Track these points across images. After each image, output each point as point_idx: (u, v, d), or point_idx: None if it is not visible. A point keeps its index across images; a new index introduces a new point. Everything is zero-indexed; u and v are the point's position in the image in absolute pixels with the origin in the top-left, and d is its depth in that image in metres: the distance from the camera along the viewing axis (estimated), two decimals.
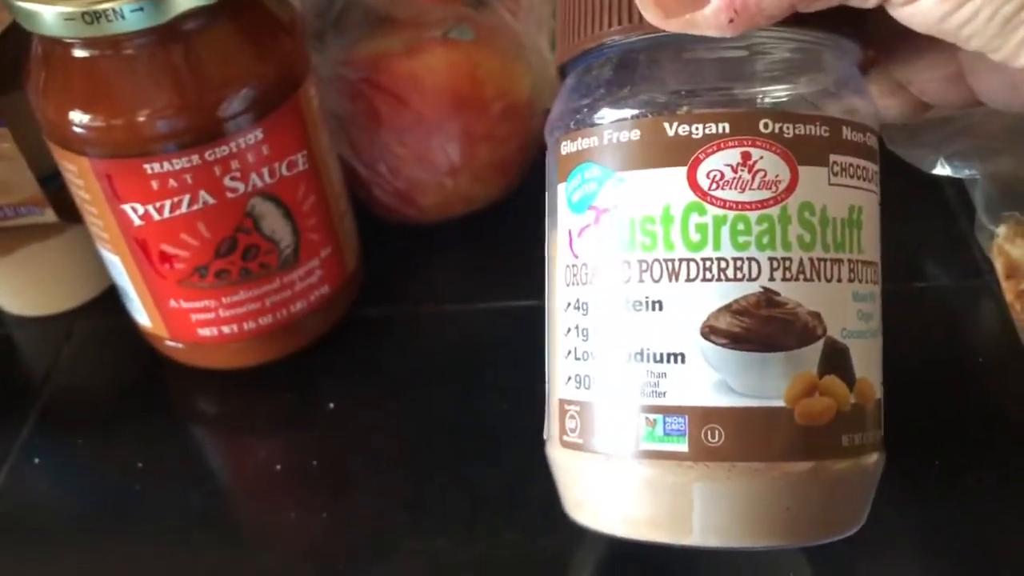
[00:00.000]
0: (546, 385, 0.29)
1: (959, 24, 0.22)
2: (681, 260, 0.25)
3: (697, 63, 0.26)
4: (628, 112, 0.26)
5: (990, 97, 0.27)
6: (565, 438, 0.27)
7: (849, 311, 0.26)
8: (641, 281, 0.25)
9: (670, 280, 0.25)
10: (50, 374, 0.41)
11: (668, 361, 0.25)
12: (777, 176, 0.25)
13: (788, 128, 0.25)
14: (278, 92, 0.34)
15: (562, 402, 0.27)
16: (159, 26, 0.30)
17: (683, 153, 0.25)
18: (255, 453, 0.37)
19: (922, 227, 0.42)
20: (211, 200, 0.34)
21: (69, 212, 0.38)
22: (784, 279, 0.25)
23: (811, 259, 0.25)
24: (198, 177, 0.33)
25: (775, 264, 0.25)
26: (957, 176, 0.42)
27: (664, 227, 0.25)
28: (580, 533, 0.28)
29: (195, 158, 0.33)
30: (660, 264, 0.25)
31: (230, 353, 0.38)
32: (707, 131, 0.25)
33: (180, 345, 0.38)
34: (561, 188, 0.28)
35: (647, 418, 0.25)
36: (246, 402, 0.39)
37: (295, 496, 0.35)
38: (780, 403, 0.25)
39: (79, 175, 0.34)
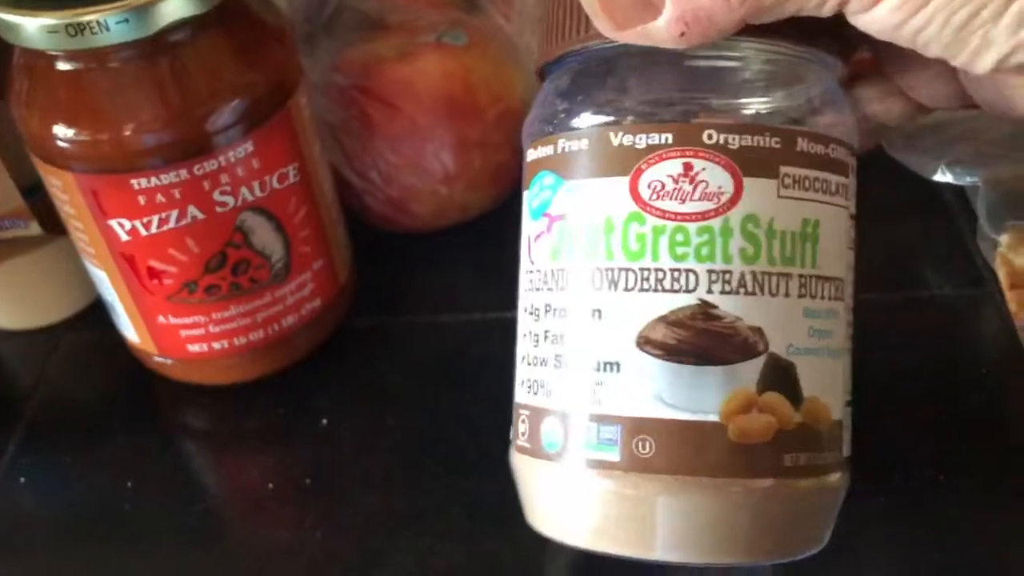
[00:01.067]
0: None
1: (914, 31, 0.22)
2: (620, 270, 0.25)
3: (662, 72, 0.25)
4: (580, 122, 0.26)
5: (982, 99, 0.26)
6: (518, 442, 0.27)
7: (798, 327, 0.25)
8: (584, 290, 0.25)
9: (610, 289, 0.25)
10: (35, 389, 0.40)
11: (605, 370, 0.25)
12: (720, 188, 0.24)
13: (734, 139, 0.24)
14: (268, 103, 0.33)
15: (517, 406, 0.28)
16: (145, 38, 0.29)
17: (626, 163, 0.25)
18: (247, 470, 0.37)
19: (923, 235, 0.42)
20: (200, 215, 0.33)
21: (53, 224, 0.37)
22: (723, 292, 0.24)
23: (753, 272, 0.24)
24: (187, 192, 0.32)
25: (714, 276, 0.24)
26: (958, 183, 0.41)
27: (606, 237, 0.25)
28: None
29: (183, 172, 0.32)
30: (601, 273, 0.25)
31: (221, 369, 0.37)
32: (650, 142, 0.24)
33: (169, 361, 0.37)
34: (525, 196, 0.28)
35: (587, 426, 0.25)
36: (237, 418, 0.38)
37: (288, 514, 0.35)
38: (715, 418, 0.24)
39: (64, 190, 0.33)
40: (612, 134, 0.25)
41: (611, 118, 0.25)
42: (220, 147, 0.32)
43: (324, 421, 0.37)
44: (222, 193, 0.33)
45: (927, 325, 0.39)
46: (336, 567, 0.33)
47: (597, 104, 0.25)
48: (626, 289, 0.25)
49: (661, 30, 0.23)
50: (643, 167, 0.25)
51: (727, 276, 0.24)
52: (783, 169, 0.24)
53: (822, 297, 0.25)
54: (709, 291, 0.24)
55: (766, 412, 0.24)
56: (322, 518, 0.34)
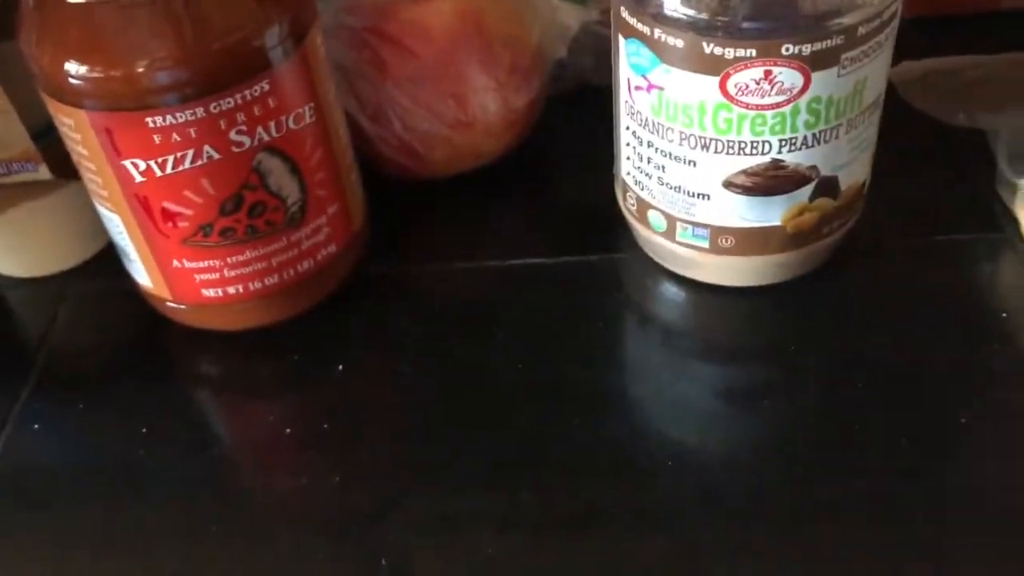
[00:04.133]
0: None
1: None
2: (711, 139, 0.33)
3: None
4: (677, 21, 0.31)
5: None
6: (626, 204, 0.39)
7: (842, 151, 0.34)
8: (681, 145, 0.34)
9: (703, 150, 0.33)
10: (46, 337, 0.40)
11: (698, 198, 0.35)
12: (793, 84, 0.31)
13: (806, 48, 0.30)
14: (284, 40, 0.32)
15: (625, 184, 0.38)
16: None
17: (717, 67, 0.31)
18: (261, 417, 0.36)
19: (941, 180, 0.41)
20: (216, 155, 0.32)
21: (64, 169, 0.36)
22: (790, 151, 0.33)
23: (814, 134, 0.33)
24: (202, 131, 0.31)
25: (783, 142, 0.33)
26: (977, 127, 0.41)
27: (699, 115, 0.33)
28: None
29: (199, 111, 0.31)
30: (695, 138, 0.33)
31: (235, 314, 0.37)
32: (737, 54, 0.31)
33: (183, 307, 0.37)
34: (621, 41, 0.34)
35: (684, 226, 0.36)
36: (252, 365, 0.38)
37: (306, 460, 0.34)
38: (776, 223, 0.35)
39: (76, 129, 0.32)
40: (705, 43, 0.31)
41: (705, 28, 0.30)
42: (236, 85, 0.31)
43: (339, 367, 0.37)
44: (238, 133, 0.32)
45: (947, 270, 0.38)
46: (355, 512, 0.33)
47: (696, 9, 0.30)
48: (716, 152, 0.33)
49: None
50: (731, 72, 0.31)
51: (794, 140, 0.33)
52: (844, 56, 0.31)
53: (863, 124, 0.34)
54: (779, 152, 0.33)
55: (815, 211, 0.35)
56: (338, 464, 0.34)
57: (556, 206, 0.43)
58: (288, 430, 0.35)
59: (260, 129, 0.33)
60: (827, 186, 0.35)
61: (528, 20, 0.43)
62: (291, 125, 0.33)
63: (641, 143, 0.36)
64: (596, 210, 0.41)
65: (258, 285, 0.36)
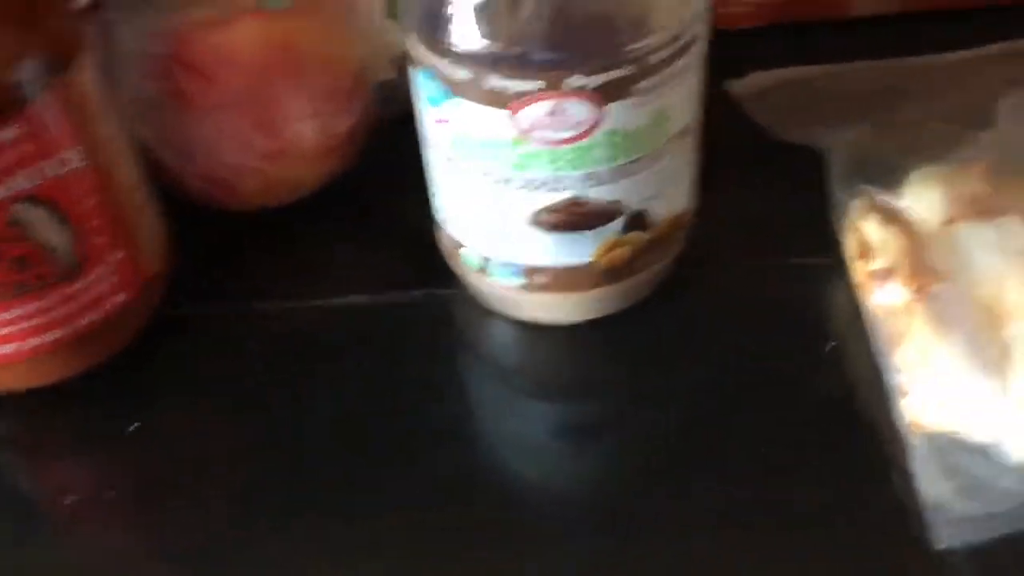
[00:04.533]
0: None
1: None
2: (510, 176, 0.31)
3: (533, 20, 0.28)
4: (462, 54, 0.29)
5: None
6: (442, 240, 0.37)
7: (649, 184, 0.32)
8: (482, 181, 0.32)
9: (503, 185, 0.31)
10: None
11: (506, 236, 0.33)
12: (586, 117, 0.29)
13: (595, 79, 0.28)
14: (40, 77, 0.30)
15: (439, 219, 0.36)
16: None
17: (505, 100, 0.29)
18: (42, 483, 0.34)
19: (777, 199, 0.40)
20: None
21: None
22: (592, 186, 0.31)
23: (615, 168, 0.31)
24: None
25: (583, 178, 0.31)
26: (811, 144, 0.39)
27: (495, 150, 0.31)
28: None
29: None
30: (495, 174, 0.31)
31: (17, 373, 0.34)
32: (524, 87, 0.29)
33: None
34: (414, 72, 0.32)
35: (493, 262, 0.34)
36: (35, 427, 0.35)
37: (86, 532, 0.32)
38: (590, 260, 0.33)
39: None
40: (491, 76, 0.29)
41: (490, 61, 0.28)
42: None
43: (134, 425, 0.34)
44: None
45: (774, 295, 0.37)
46: None
47: (479, 41, 0.28)
48: (517, 188, 0.31)
49: None
50: (520, 105, 0.29)
51: (593, 175, 0.31)
52: (637, 86, 0.29)
53: (670, 156, 0.32)
54: (580, 188, 0.31)
55: (627, 244, 0.33)
56: (126, 533, 0.32)
57: (383, 238, 0.41)
58: (72, 498, 0.33)
59: (15, 177, 0.30)
60: (637, 220, 0.33)
61: (349, 41, 0.40)
62: (54, 172, 0.31)
63: (445, 178, 0.33)
64: (424, 241, 0.39)
65: (37, 342, 0.33)
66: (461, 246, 0.35)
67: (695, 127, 0.33)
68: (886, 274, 0.34)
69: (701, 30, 0.31)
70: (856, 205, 0.36)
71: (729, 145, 0.42)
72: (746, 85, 0.43)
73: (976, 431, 0.31)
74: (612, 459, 0.34)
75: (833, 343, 0.35)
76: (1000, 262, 0.33)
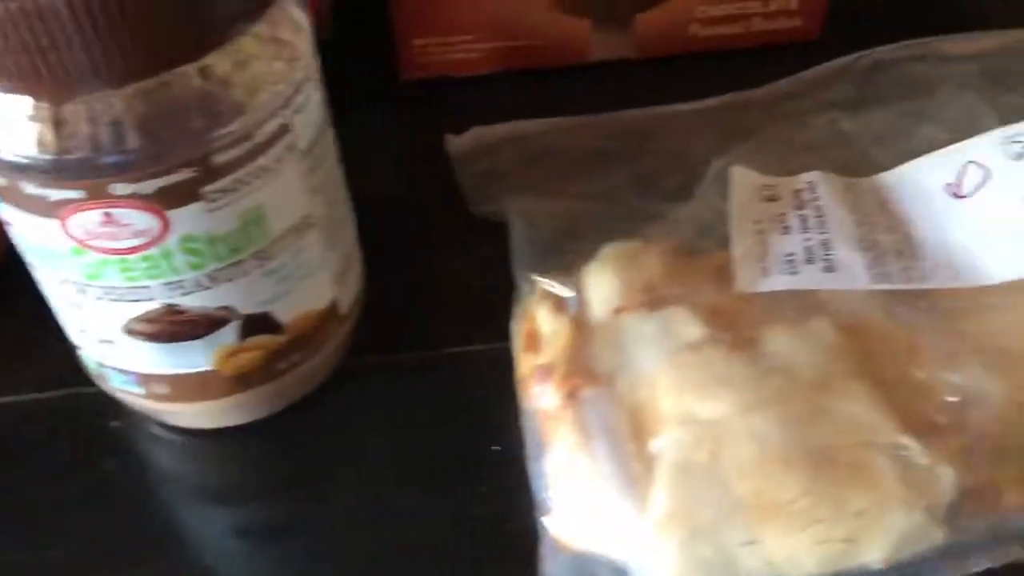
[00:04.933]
0: None
1: None
2: (85, 284, 0.27)
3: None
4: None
5: None
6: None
7: (264, 286, 0.29)
8: (63, 289, 0.28)
9: (83, 295, 0.28)
10: None
11: (106, 344, 0.29)
12: (148, 226, 0.26)
13: (145, 186, 0.25)
14: None
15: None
16: None
17: (48, 209, 0.25)
18: None
19: (462, 275, 0.37)
20: None
21: None
22: (184, 294, 0.28)
23: (204, 275, 0.27)
24: None
25: (168, 287, 0.27)
26: (496, 217, 0.36)
27: (61, 260, 0.27)
28: None
29: None
30: (70, 283, 0.28)
31: None
32: (64, 196, 0.25)
33: None
34: None
35: (112, 372, 0.31)
36: None
37: None
38: (208, 367, 0.30)
39: None
40: (26, 184, 0.25)
41: (18, 167, 0.24)
42: None
43: None
44: None
45: (449, 388, 0.34)
46: None
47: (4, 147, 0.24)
48: (97, 299, 0.28)
49: None
50: (68, 214, 0.25)
51: (181, 284, 0.27)
52: (206, 189, 0.26)
53: (285, 253, 0.29)
54: (170, 297, 0.27)
55: (253, 349, 0.30)
56: None
57: (40, 328, 0.37)
58: None
59: None
60: (259, 323, 0.30)
61: None
62: None
63: (40, 280, 0.30)
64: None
65: None
66: (78, 348, 0.31)
67: (324, 218, 0.30)
68: (546, 372, 0.31)
69: (302, 118, 0.27)
70: (532, 289, 0.33)
71: (436, 211, 0.39)
72: (461, 143, 0.40)
73: (615, 551, 0.28)
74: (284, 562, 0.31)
75: (497, 447, 0.32)
76: (658, 361, 0.30)
